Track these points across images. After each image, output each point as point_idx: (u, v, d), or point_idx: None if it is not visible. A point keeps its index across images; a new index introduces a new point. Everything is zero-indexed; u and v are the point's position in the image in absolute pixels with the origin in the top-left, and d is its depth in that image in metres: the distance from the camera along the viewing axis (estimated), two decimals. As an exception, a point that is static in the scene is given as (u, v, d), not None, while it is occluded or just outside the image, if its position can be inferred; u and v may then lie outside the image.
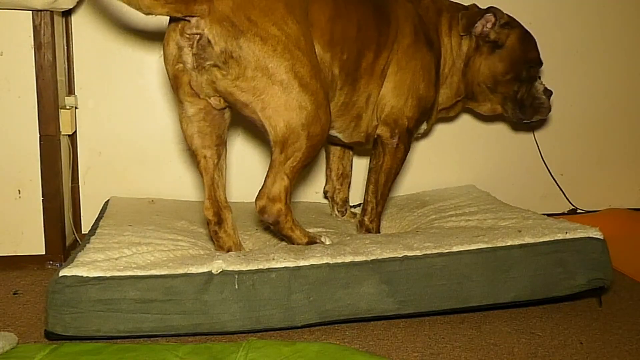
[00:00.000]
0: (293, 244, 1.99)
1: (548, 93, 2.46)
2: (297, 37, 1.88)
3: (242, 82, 1.87)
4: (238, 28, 1.83)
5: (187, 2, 1.82)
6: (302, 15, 1.94)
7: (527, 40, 2.42)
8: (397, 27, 2.23)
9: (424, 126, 2.39)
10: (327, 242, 2.03)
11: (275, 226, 1.98)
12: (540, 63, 2.47)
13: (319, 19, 2.01)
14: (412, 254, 1.83)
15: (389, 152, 2.24)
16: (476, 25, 2.37)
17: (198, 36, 1.85)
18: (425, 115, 2.33)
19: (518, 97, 2.44)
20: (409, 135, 2.27)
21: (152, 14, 1.88)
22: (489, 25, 2.37)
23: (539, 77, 2.47)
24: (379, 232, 2.28)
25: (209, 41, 1.84)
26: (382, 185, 2.27)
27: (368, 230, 2.27)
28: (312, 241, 2.00)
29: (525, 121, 2.51)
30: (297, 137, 1.89)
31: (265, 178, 1.94)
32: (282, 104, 1.87)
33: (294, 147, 1.90)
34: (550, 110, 2.50)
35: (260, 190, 1.95)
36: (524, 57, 2.40)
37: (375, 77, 2.19)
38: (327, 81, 2.04)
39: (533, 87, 2.44)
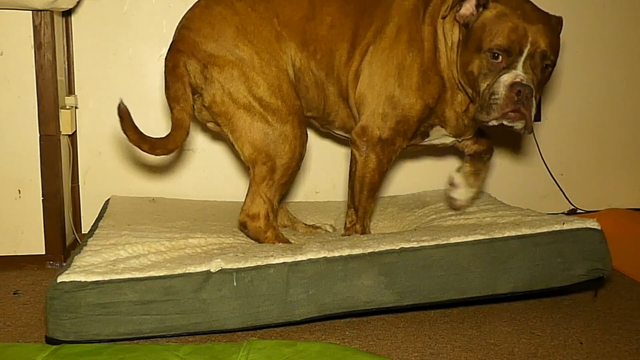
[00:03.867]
0: None
1: (515, 89, 1.89)
2: (250, 58, 2.06)
3: (215, 108, 2.07)
4: (201, 62, 2.06)
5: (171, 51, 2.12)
6: (257, 30, 2.08)
7: (498, 22, 1.94)
8: (379, 28, 2.14)
9: (443, 133, 2.19)
10: None
11: (256, 241, 2.12)
12: (508, 51, 1.92)
13: (292, 19, 2.13)
14: (409, 246, 1.84)
15: (359, 161, 2.13)
16: (461, 7, 2.01)
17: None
18: (406, 125, 2.12)
19: (480, 93, 1.98)
20: (383, 145, 2.11)
21: None
22: (472, 7, 2.00)
23: (516, 70, 1.92)
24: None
25: (189, 75, 2.07)
26: (358, 193, 2.17)
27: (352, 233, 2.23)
28: None
29: (485, 123, 1.98)
30: (266, 157, 2.06)
31: (246, 195, 2.12)
32: (247, 127, 2.06)
33: (266, 166, 2.07)
34: (511, 114, 1.91)
35: (242, 206, 2.12)
36: (487, 41, 1.94)
37: (351, 78, 2.15)
38: (301, 90, 2.16)
39: (497, 81, 1.93)
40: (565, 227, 1.92)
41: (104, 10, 2.61)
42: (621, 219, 2.75)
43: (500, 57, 1.94)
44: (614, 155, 3.04)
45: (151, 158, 2.70)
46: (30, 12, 2.30)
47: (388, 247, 1.83)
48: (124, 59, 2.65)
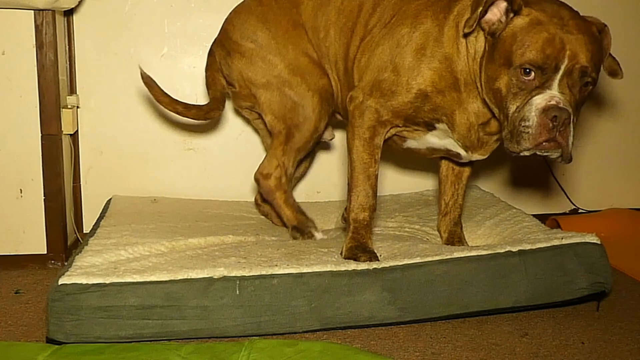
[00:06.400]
0: (284, 222, 2.29)
1: (550, 115, 1.63)
2: (268, 43, 2.21)
3: (242, 91, 2.26)
4: (227, 49, 2.27)
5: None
6: (276, 19, 2.23)
7: (531, 32, 1.67)
8: (382, 12, 2.07)
9: (449, 135, 1.96)
10: (318, 237, 2.20)
11: (267, 199, 2.29)
12: (541, 68, 1.66)
13: (307, 11, 2.24)
14: (412, 262, 1.84)
15: (347, 130, 2.01)
16: (486, 14, 1.74)
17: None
18: (393, 100, 1.91)
19: (509, 116, 1.72)
20: (364, 111, 1.94)
21: None
22: (500, 12, 1.73)
23: (550, 89, 1.66)
24: (355, 230, 1.99)
25: (219, 63, 2.31)
26: (348, 167, 1.99)
27: (345, 220, 2.12)
28: (300, 227, 2.23)
29: (516, 154, 1.73)
30: (284, 124, 2.20)
31: (264, 157, 2.30)
32: (268, 100, 2.21)
33: (283, 133, 2.21)
34: (545, 144, 1.67)
35: (259, 165, 2.28)
36: (517, 55, 1.68)
37: (356, 65, 2.10)
38: (321, 68, 2.23)
39: (528, 103, 1.67)
40: (564, 241, 1.93)
41: (106, 10, 2.61)
42: (623, 218, 2.75)
43: (533, 73, 1.67)
44: (616, 155, 3.03)
45: (153, 157, 2.71)
46: (32, 11, 2.30)
47: (392, 263, 1.84)
48: (126, 59, 2.65)
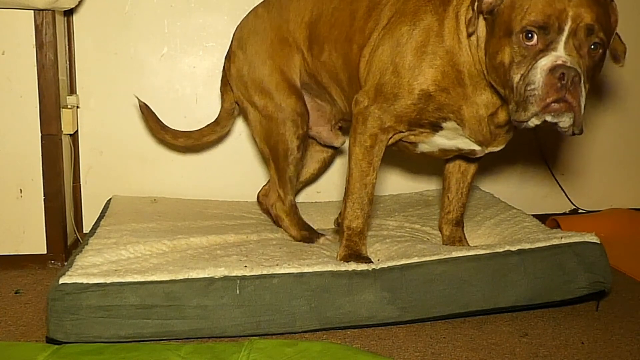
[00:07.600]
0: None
1: (558, 73, 1.54)
2: (252, 58, 2.27)
3: (240, 104, 2.36)
4: (229, 61, 2.37)
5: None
6: (265, 33, 2.27)
7: None
8: (378, 15, 2.01)
9: (460, 133, 1.91)
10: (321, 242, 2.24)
11: (276, 223, 2.38)
12: (544, 28, 1.58)
13: (299, 23, 2.23)
14: (411, 262, 1.84)
15: (351, 131, 1.98)
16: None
17: None
18: (397, 104, 1.87)
19: (514, 87, 1.63)
20: (367, 118, 1.91)
21: None
22: None
23: (556, 51, 1.57)
24: (349, 238, 1.99)
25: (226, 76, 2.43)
26: (347, 172, 1.98)
27: (338, 224, 2.15)
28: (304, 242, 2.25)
29: (524, 124, 1.62)
30: (264, 150, 2.30)
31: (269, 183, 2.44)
32: (251, 122, 2.33)
33: (270, 159, 2.28)
34: (555, 105, 1.56)
35: (268, 192, 2.43)
36: (517, 20, 1.61)
37: (361, 72, 2.07)
38: (324, 95, 2.27)
39: (533, 68, 1.58)
40: (564, 240, 1.94)
41: (106, 10, 2.61)
42: (623, 218, 2.75)
43: (535, 36, 1.59)
44: (616, 154, 3.03)
45: (153, 157, 2.71)
46: (32, 11, 2.30)
47: (391, 264, 1.84)
48: (126, 59, 2.65)
